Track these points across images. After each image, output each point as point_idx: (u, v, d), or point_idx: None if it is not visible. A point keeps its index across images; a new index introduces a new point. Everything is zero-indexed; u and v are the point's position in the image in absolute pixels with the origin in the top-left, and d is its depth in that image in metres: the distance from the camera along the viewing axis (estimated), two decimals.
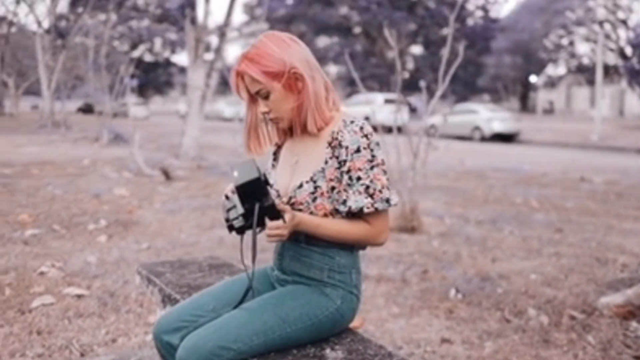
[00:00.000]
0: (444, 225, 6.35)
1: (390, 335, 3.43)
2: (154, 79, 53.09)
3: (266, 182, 1.70)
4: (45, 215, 6.38)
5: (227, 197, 1.79)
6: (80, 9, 29.90)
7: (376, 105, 24.50)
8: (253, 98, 1.87)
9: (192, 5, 11.47)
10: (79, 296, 3.90)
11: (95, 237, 5.48)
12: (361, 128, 1.76)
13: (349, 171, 1.75)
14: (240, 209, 1.71)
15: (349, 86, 42.89)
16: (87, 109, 35.25)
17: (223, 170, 10.48)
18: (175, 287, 2.37)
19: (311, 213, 1.81)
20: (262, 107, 1.84)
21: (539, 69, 50.22)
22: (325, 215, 1.82)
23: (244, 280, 1.95)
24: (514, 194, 8.68)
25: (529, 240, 5.77)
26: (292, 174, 1.89)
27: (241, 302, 1.82)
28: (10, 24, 33.69)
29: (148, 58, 52.31)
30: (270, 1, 43.47)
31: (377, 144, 1.78)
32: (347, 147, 1.75)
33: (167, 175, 9.37)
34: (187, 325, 1.85)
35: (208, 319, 1.83)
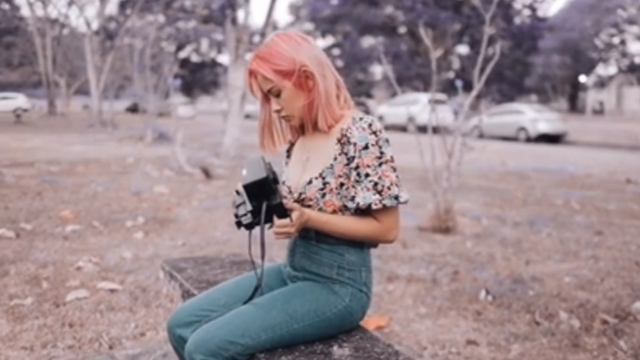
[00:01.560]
0: (480, 226, 6.28)
1: (416, 335, 3.41)
2: (200, 79, 53.74)
3: (275, 181, 1.72)
4: (87, 211, 6.54)
5: (237, 193, 1.81)
6: (128, 11, 30.54)
7: (420, 106, 24.37)
8: (266, 97, 1.89)
9: (233, 6, 11.60)
10: (112, 290, 3.99)
11: (132, 234, 5.59)
12: (370, 125, 1.77)
13: (357, 168, 1.76)
14: (249, 206, 1.73)
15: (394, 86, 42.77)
16: (134, 109, 35.93)
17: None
18: (195, 282, 2.41)
19: (320, 209, 1.83)
20: (274, 105, 1.87)
21: (588, 68, 49.14)
22: (335, 211, 1.83)
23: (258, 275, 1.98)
24: (554, 196, 8.52)
25: (567, 242, 5.66)
26: (303, 170, 1.91)
27: (251, 298, 1.84)
28: (62, 26, 34.57)
29: (195, 58, 53.01)
30: (315, 1, 43.63)
31: (387, 140, 1.78)
32: (355, 144, 1.76)
33: (207, 173, 9.50)
34: (199, 319, 1.88)
35: (220, 314, 1.87)
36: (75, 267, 4.48)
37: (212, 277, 2.47)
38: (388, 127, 28.52)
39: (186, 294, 2.36)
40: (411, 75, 38.51)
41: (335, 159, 1.81)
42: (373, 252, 5.00)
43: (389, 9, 42.24)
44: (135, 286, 4.07)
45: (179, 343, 1.89)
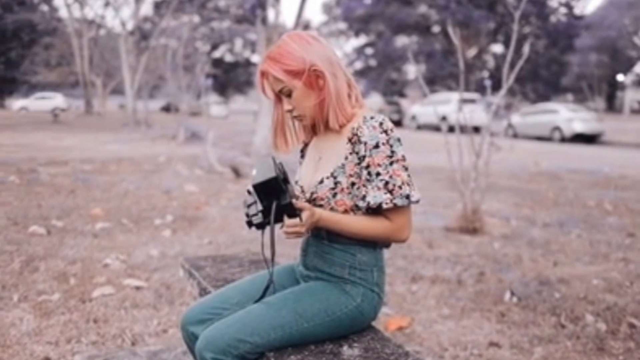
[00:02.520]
0: (509, 227, 6.20)
1: (437, 336, 3.39)
2: (234, 78, 54.04)
3: (285, 181, 1.72)
4: (117, 209, 6.64)
5: (249, 193, 1.82)
6: (163, 11, 30.90)
7: (453, 105, 24.16)
8: (278, 97, 1.90)
9: (263, 6, 11.65)
10: (138, 288, 4.04)
11: (160, 232, 5.66)
12: (380, 124, 1.76)
13: (368, 167, 1.76)
14: (259, 206, 1.74)
15: (427, 85, 42.46)
16: (168, 108, 36.38)
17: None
18: (212, 280, 2.42)
19: (332, 209, 1.83)
20: (286, 105, 1.87)
21: (627, 67, 48.05)
22: (346, 211, 1.83)
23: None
24: (587, 197, 8.37)
25: (597, 244, 5.56)
26: (315, 170, 1.91)
27: (262, 297, 1.85)
28: (99, 26, 35.13)
29: (229, 58, 53.34)
30: (349, 1, 43.54)
31: (398, 139, 1.77)
32: (366, 143, 1.75)
33: (236, 172, 9.57)
34: (212, 317, 1.90)
35: (232, 312, 1.88)
36: (103, 264, 4.56)
37: (230, 276, 2.49)
38: (421, 127, 28.43)
39: (203, 292, 2.38)
40: (445, 74, 38.20)
41: (347, 158, 1.80)
42: (398, 252, 5.01)
43: (422, 8, 41.98)
44: (160, 284, 4.12)
45: (191, 340, 1.91)
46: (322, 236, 1.88)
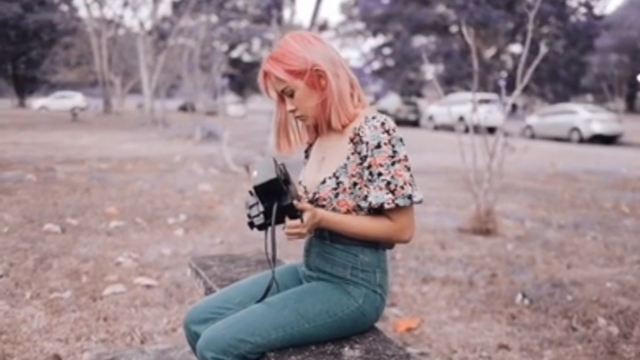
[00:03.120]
0: (523, 229, 6.15)
1: (446, 338, 3.37)
2: (252, 78, 53.93)
3: (286, 182, 1.72)
4: (131, 208, 6.68)
5: (251, 194, 1.82)
6: (182, 11, 31.07)
7: (470, 106, 24.05)
8: (282, 97, 1.90)
9: (279, 6, 11.67)
10: (148, 286, 4.06)
11: (173, 231, 5.68)
12: (382, 124, 1.75)
13: (369, 167, 1.75)
14: (261, 207, 1.74)
15: (445, 85, 42.26)
16: (186, 108, 36.57)
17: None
18: (218, 280, 2.43)
19: (334, 209, 1.82)
20: (288, 105, 1.87)
21: None
22: (348, 211, 1.82)
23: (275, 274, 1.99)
24: (604, 198, 8.29)
25: (612, 246, 5.50)
26: (318, 170, 1.91)
27: (263, 297, 1.85)
28: (117, 26, 35.37)
29: (246, 58, 53.48)
30: (367, 0, 43.48)
31: (400, 139, 1.76)
32: (367, 143, 1.75)
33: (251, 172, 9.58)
34: (215, 317, 1.90)
35: (234, 312, 1.88)
36: (115, 262, 4.59)
37: (236, 275, 2.49)
38: (438, 127, 28.29)
39: (209, 291, 2.38)
40: (462, 74, 37.98)
41: (348, 158, 1.80)
42: (410, 253, 4.99)
43: (440, 8, 41.80)
44: (170, 282, 4.14)
45: (194, 340, 1.91)
46: (324, 236, 1.87)
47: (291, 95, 1.84)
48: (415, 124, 32.26)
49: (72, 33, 43.14)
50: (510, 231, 5.97)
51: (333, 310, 1.80)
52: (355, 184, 1.79)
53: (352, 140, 1.79)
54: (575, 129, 21.98)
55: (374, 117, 1.77)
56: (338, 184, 1.80)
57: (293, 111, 1.88)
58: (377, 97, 46.92)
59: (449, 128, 25.16)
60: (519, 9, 36.31)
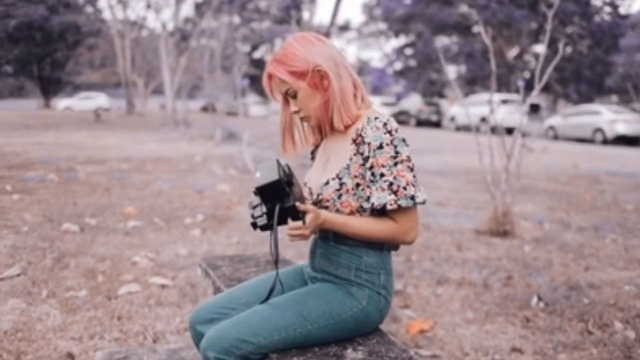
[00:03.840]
0: (541, 231, 6.09)
1: (459, 340, 3.35)
2: None
3: (289, 183, 1.72)
4: (149, 208, 6.73)
5: (255, 193, 1.82)
6: (205, 13, 31.25)
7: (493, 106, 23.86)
8: (286, 99, 1.90)
9: (298, 7, 11.68)
10: (163, 286, 4.09)
11: (190, 231, 5.72)
12: (385, 124, 1.74)
13: (371, 168, 1.74)
14: (264, 208, 1.74)
15: (467, 86, 41.99)
16: (208, 108, 36.78)
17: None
18: (227, 280, 2.44)
19: (337, 210, 1.82)
20: (292, 106, 1.88)
21: None
22: (352, 212, 1.81)
23: (280, 275, 2.00)
24: (626, 200, 8.17)
25: (632, 249, 5.42)
26: (322, 172, 1.90)
27: (267, 298, 1.85)
28: (140, 28, 35.67)
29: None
30: (389, 1, 43.37)
31: (403, 140, 1.75)
32: (369, 144, 1.74)
33: None
34: (220, 317, 1.91)
35: (240, 312, 1.88)
36: (131, 262, 4.62)
37: (245, 276, 2.50)
38: (460, 128, 28.11)
39: (217, 291, 2.39)
40: (485, 75, 37.68)
41: (351, 159, 1.79)
42: (426, 254, 4.97)
43: (463, 8, 41.54)
44: (185, 282, 4.16)
45: (199, 339, 1.92)
46: (329, 238, 1.87)
47: (294, 97, 1.85)
48: (437, 124, 32.12)
49: (96, 35, 43.61)
50: (529, 233, 5.91)
51: (336, 311, 1.80)
52: (358, 185, 1.79)
53: (354, 141, 1.79)
54: (599, 130, 21.71)
55: (376, 118, 1.76)
56: (341, 185, 1.80)
57: (297, 112, 1.88)
58: (399, 97, 46.85)
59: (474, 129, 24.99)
60: (542, 9, 35.96)
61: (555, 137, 22.97)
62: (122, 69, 35.96)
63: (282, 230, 1.78)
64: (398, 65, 47.97)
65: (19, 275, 4.18)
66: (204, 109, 40.48)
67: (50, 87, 47.47)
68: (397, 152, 1.73)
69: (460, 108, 27.94)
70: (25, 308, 3.59)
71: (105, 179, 8.81)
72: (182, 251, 4.98)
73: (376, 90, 55.62)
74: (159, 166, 10.75)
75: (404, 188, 1.73)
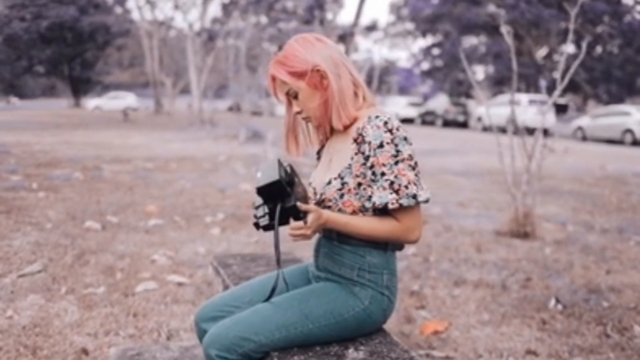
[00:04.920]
0: (564, 232, 6.01)
1: (473, 342, 3.32)
2: None
3: (290, 183, 1.72)
4: (171, 207, 6.79)
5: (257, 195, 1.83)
6: (232, 13, 31.45)
7: (521, 107, 23.64)
8: (290, 100, 1.91)
9: (321, 7, 11.69)
10: (180, 284, 4.12)
11: (210, 230, 5.75)
12: (385, 123, 1.73)
13: (372, 167, 1.74)
14: (266, 208, 1.75)
15: (495, 86, 41.60)
16: (235, 108, 36.96)
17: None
18: (236, 279, 2.45)
19: (340, 210, 1.82)
20: (294, 107, 1.89)
21: None
22: (354, 212, 1.81)
23: (285, 274, 2.01)
24: None
25: None
26: (326, 171, 1.90)
27: (269, 297, 1.86)
28: (168, 28, 35.97)
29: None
30: (416, 1, 43.17)
31: (405, 138, 1.74)
32: (370, 143, 1.74)
33: None
34: (224, 315, 1.92)
35: (243, 311, 1.89)
36: (150, 260, 4.67)
37: (254, 274, 2.51)
38: (486, 129, 27.84)
39: (226, 290, 2.40)
40: (512, 75, 37.32)
41: (352, 158, 1.79)
42: (445, 255, 4.95)
43: (490, 8, 41.16)
44: (201, 280, 4.19)
45: (203, 337, 1.93)
46: (332, 237, 1.87)
47: (296, 97, 1.86)
48: (464, 125, 31.88)
49: (125, 35, 44.18)
50: (550, 234, 5.84)
51: (338, 311, 1.80)
52: (359, 184, 1.79)
53: (355, 140, 1.79)
54: (629, 131, 21.32)
55: (377, 117, 1.76)
56: (343, 184, 1.80)
57: (299, 113, 1.88)
58: (426, 98, 46.60)
59: (498, 129, 24.75)
60: (571, 8, 35.46)
61: (584, 138, 22.66)
62: (150, 69, 36.33)
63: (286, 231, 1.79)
64: (425, 66, 47.75)
65: (39, 271, 4.25)
66: (231, 108, 40.75)
67: (80, 87, 48.20)
68: (398, 151, 1.72)
69: (488, 108, 27.69)
70: (44, 304, 3.65)
71: (129, 178, 8.91)
72: (200, 249, 5.02)
73: (403, 91, 55.41)
74: (183, 165, 10.84)
75: (406, 187, 1.72)
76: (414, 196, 1.73)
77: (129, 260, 4.64)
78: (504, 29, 5.65)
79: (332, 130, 1.93)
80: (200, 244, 5.20)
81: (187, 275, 4.32)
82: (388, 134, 1.72)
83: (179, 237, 5.43)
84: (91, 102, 44.52)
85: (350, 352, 1.76)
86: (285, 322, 1.76)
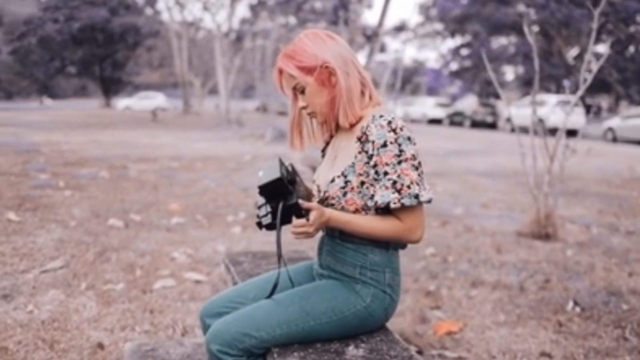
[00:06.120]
0: (587, 234, 5.94)
1: (487, 343, 3.30)
2: None
3: (292, 182, 1.74)
4: (194, 206, 6.85)
5: (260, 194, 1.85)
6: (260, 13, 31.61)
7: (548, 107, 23.36)
8: (296, 95, 1.92)
9: (345, 7, 11.71)
10: (197, 281, 4.17)
11: (230, 228, 5.80)
12: (389, 122, 1.74)
13: (375, 166, 1.74)
14: (269, 207, 1.77)
15: (525, 87, 41.13)
16: (262, 108, 37.13)
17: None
18: (246, 276, 2.47)
19: (342, 208, 1.83)
20: (300, 102, 1.89)
21: None
22: (357, 210, 1.82)
23: (289, 272, 2.03)
24: None
25: None
26: (330, 169, 1.91)
27: (271, 294, 1.88)
28: (197, 28, 36.25)
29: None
30: (445, 1, 42.92)
31: (408, 138, 1.74)
32: (373, 142, 1.74)
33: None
34: (228, 311, 1.94)
35: (247, 307, 1.91)
36: (170, 257, 4.72)
37: (264, 272, 2.52)
38: (515, 129, 27.45)
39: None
40: (543, 75, 36.86)
41: (356, 157, 1.80)
42: (464, 256, 4.92)
43: (520, 7, 40.74)
44: (219, 278, 4.23)
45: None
46: (335, 235, 1.89)
47: (302, 92, 1.86)
48: (492, 126, 31.60)
49: (154, 36, 44.67)
50: (573, 236, 5.77)
51: (339, 308, 1.81)
52: (362, 183, 1.79)
53: (359, 139, 1.79)
54: None
55: (381, 116, 1.76)
56: (346, 182, 1.81)
57: (304, 108, 1.89)
58: (454, 98, 46.29)
59: (525, 130, 24.48)
60: (603, 8, 34.90)
61: (614, 140, 22.29)
62: (179, 70, 36.66)
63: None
64: (454, 66, 47.46)
65: (61, 267, 4.33)
66: (258, 108, 40.94)
67: (111, 87, 48.86)
68: (401, 151, 1.72)
69: (517, 109, 27.42)
70: (64, 299, 3.72)
71: (154, 177, 9.02)
72: (220, 248, 5.06)
73: (432, 91, 55.14)
74: (207, 165, 10.93)
75: (408, 187, 1.72)
76: (416, 196, 1.73)
77: (149, 257, 4.70)
78: (526, 28, 5.59)
79: (337, 128, 1.94)
80: (221, 243, 5.24)
81: (205, 273, 4.36)
82: (392, 134, 1.73)
83: (200, 236, 5.49)
84: (121, 102, 45.06)
85: (351, 349, 1.77)
86: (286, 318, 1.78)
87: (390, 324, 3.43)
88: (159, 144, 15.46)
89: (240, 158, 12.24)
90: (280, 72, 1.89)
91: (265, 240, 5.38)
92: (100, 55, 46.15)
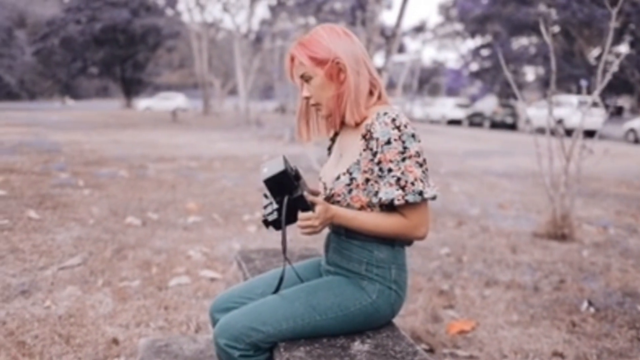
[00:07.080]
0: (604, 235, 5.89)
1: (499, 342, 3.30)
2: None
3: (296, 177, 1.76)
4: (211, 205, 6.91)
5: (265, 196, 1.88)
6: (281, 14, 31.68)
7: (570, 108, 23.18)
8: (303, 84, 1.93)
9: (363, 7, 11.71)
10: (212, 279, 4.21)
11: (246, 227, 5.84)
12: (393, 120, 1.75)
13: (379, 163, 1.76)
14: (274, 205, 1.79)
15: (546, 87, 40.77)
16: (281, 109, 37.21)
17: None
18: (257, 273, 2.50)
19: (348, 205, 1.84)
20: (305, 91, 1.91)
21: None
22: (362, 207, 1.84)
23: (297, 268, 2.06)
24: None
25: None
26: (335, 167, 1.93)
27: (277, 289, 1.90)
28: (217, 29, 36.41)
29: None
30: (465, 1, 42.72)
31: (412, 135, 1.75)
32: (377, 139, 1.75)
33: None
34: (237, 306, 1.97)
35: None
36: (186, 255, 4.77)
37: (274, 268, 2.55)
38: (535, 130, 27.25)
39: None
40: (564, 76, 36.56)
41: (361, 154, 1.81)
42: (479, 255, 4.92)
43: (541, 7, 40.42)
44: (233, 276, 4.27)
45: None
46: (340, 232, 1.90)
47: (308, 81, 1.88)
48: (512, 127, 31.41)
49: (175, 37, 44.98)
50: (590, 237, 5.74)
51: (345, 304, 1.83)
52: (367, 180, 1.81)
53: (364, 136, 1.81)
54: None
55: (385, 113, 1.77)
56: (351, 180, 1.83)
57: (308, 98, 1.91)
58: (474, 99, 46.06)
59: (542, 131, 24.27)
60: (625, 7, 34.52)
61: (636, 141, 22.05)
62: (199, 70, 36.88)
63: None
64: (474, 67, 47.22)
65: (79, 264, 4.40)
66: (277, 109, 41.05)
67: (131, 88, 49.29)
68: (405, 148, 1.74)
69: (537, 110, 27.21)
70: (80, 295, 3.78)
71: (172, 176, 9.10)
72: (236, 246, 5.10)
73: (451, 92, 54.89)
74: (226, 164, 11.00)
75: (412, 183, 1.74)
76: (420, 193, 1.74)
77: (166, 255, 4.75)
78: (543, 28, 5.56)
79: (342, 125, 1.96)
80: (236, 241, 5.28)
81: (220, 271, 4.40)
82: (396, 131, 1.74)
83: (216, 234, 5.53)
84: (142, 103, 45.44)
85: (356, 344, 1.79)
86: (292, 313, 1.80)
87: (402, 322, 3.46)
88: (179, 144, 15.58)
89: (259, 158, 12.30)
90: (292, 59, 1.91)
91: (279, 240, 5.39)
92: (121, 56, 46.58)
